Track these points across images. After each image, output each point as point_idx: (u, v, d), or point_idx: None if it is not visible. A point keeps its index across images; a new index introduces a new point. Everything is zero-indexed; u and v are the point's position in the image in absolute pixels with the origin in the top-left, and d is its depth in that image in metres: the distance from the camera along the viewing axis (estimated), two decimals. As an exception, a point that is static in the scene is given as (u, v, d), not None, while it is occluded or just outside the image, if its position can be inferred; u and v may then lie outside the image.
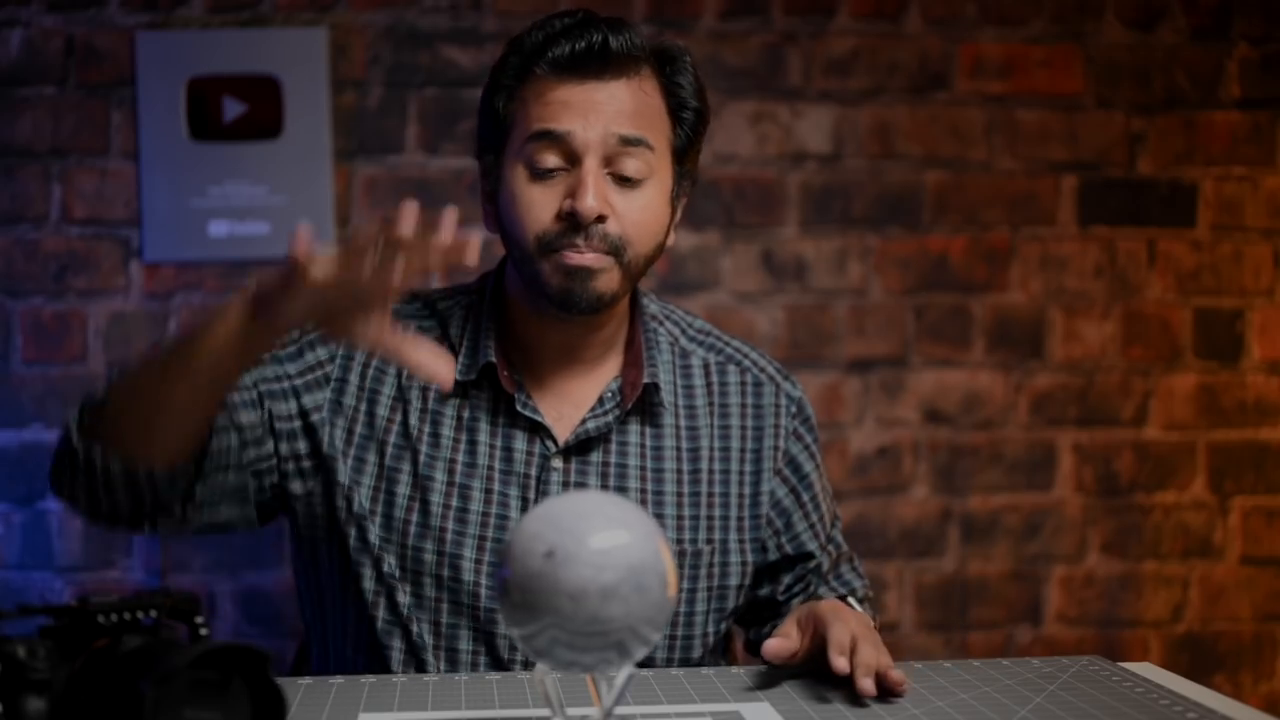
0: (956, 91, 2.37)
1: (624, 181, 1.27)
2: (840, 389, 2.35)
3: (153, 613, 0.86)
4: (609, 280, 1.28)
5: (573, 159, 1.26)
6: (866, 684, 1.10)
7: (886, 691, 1.12)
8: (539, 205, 1.27)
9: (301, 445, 1.32)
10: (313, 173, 2.26)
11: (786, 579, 1.43)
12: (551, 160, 1.26)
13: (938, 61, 2.36)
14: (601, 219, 1.25)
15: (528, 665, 1.31)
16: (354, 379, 1.35)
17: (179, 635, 0.87)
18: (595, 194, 1.24)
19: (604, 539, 0.90)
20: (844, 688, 1.15)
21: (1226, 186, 2.42)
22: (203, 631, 0.87)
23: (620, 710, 1.08)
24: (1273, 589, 2.43)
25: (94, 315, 2.26)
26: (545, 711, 1.07)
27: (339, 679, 1.19)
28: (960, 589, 2.38)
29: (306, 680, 1.18)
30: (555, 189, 1.27)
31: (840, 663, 1.11)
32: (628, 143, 1.26)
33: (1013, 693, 1.13)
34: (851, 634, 1.15)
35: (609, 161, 1.26)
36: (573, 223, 1.25)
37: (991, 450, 2.38)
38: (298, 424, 1.32)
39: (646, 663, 1.34)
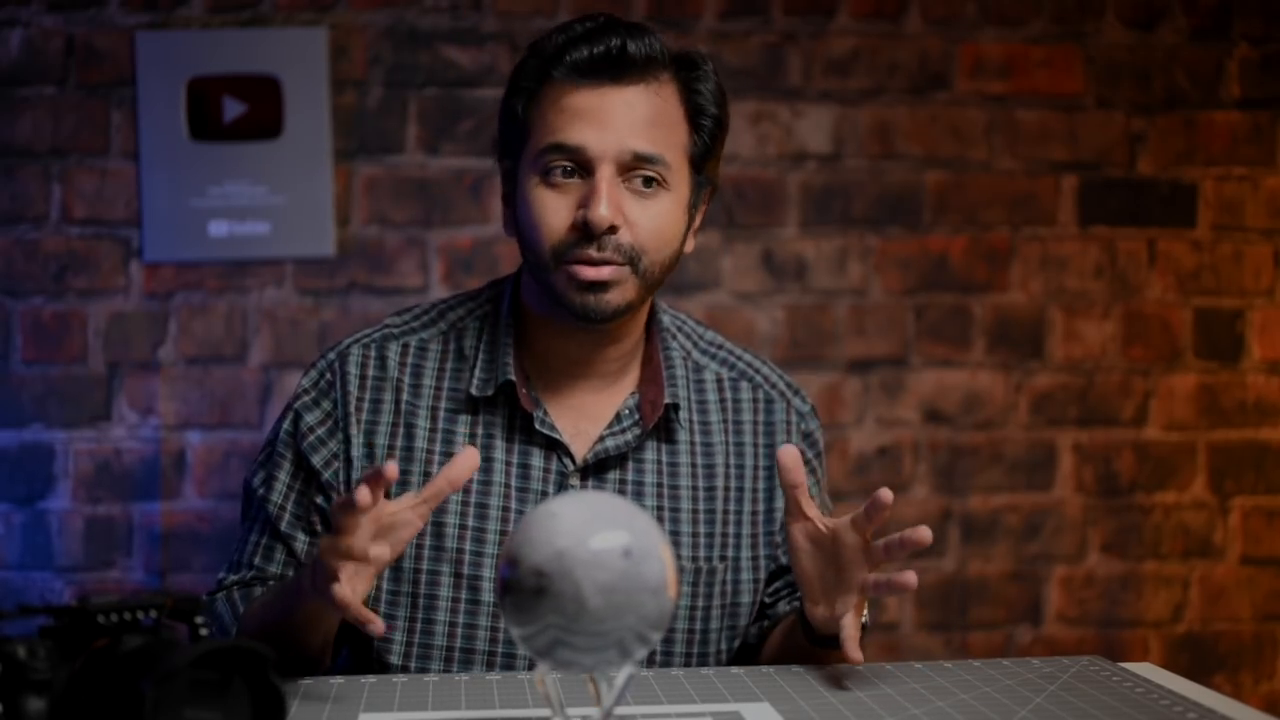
0: (956, 91, 2.37)
1: (639, 192, 1.27)
2: (840, 389, 2.35)
3: (153, 613, 0.86)
4: (624, 291, 1.27)
5: (587, 168, 1.26)
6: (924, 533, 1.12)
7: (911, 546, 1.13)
8: (552, 213, 1.26)
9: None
10: (313, 173, 2.26)
11: (777, 583, 1.43)
12: (566, 170, 1.26)
13: (938, 61, 2.36)
14: (614, 229, 1.25)
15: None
16: (352, 419, 1.34)
17: (179, 635, 0.87)
18: (608, 204, 1.24)
19: (656, 534, 0.91)
20: (844, 689, 1.15)
21: (1226, 186, 2.42)
22: (203, 631, 0.87)
23: (620, 710, 1.08)
24: (1273, 589, 2.43)
25: (94, 315, 2.26)
26: (545, 711, 1.07)
27: (339, 679, 1.19)
28: (960, 589, 2.38)
29: (307, 680, 1.18)
30: (569, 197, 1.26)
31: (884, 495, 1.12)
32: (643, 160, 1.26)
33: (1013, 693, 1.13)
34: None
35: (623, 170, 1.26)
36: (586, 232, 1.24)
37: (991, 450, 2.38)
38: (331, 494, 1.34)
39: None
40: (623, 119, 1.25)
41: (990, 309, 2.38)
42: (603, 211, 1.23)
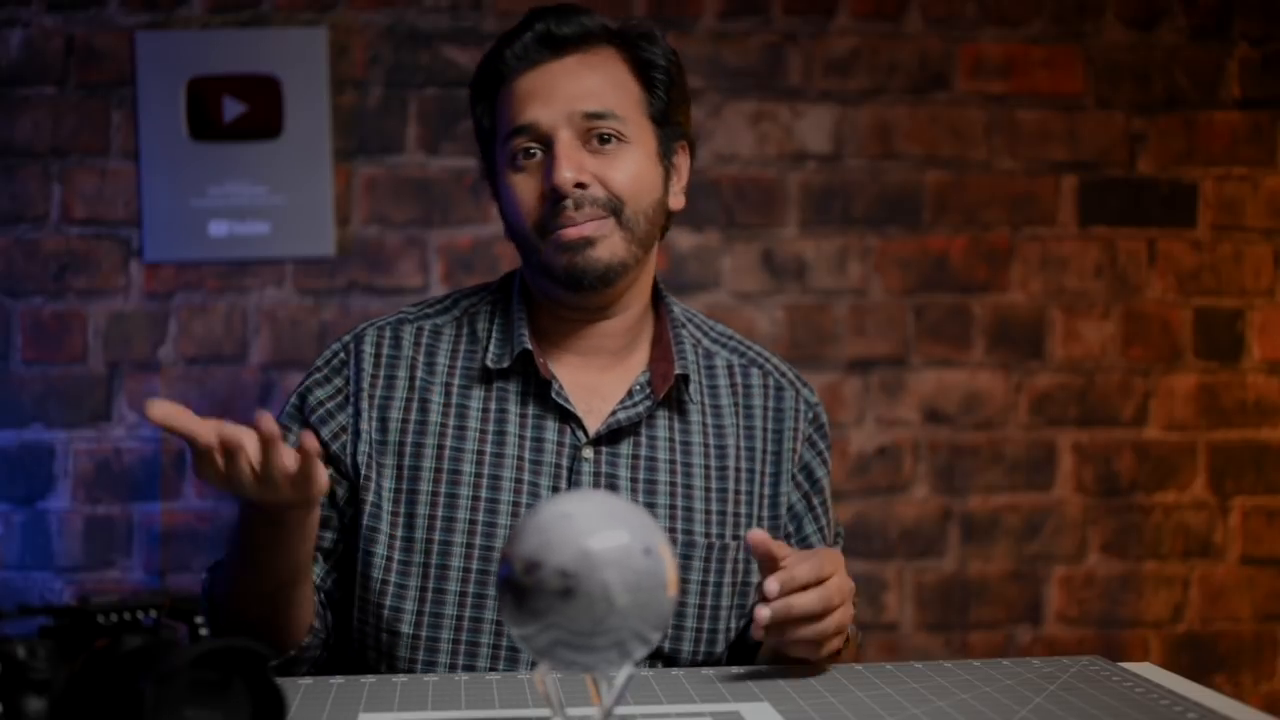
0: (956, 91, 2.37)
1: (600, 150, 1.30)
2: (840, 389, 2.35)
3: (153, 613, 0.86)
4: (612, 246, 1.30)
5: (547, 143, 1.30)
6: (762, 613, 1.11)
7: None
8: (524, 191, 1.31)
9: (340, 489, 1.35)
10: (313, 173, 2.26)
11: None
12: (529, 149, 1.31)
13: (938, 61, 2.36)
14: (583, 186, 1.28)
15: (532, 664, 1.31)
16: (365, 394, 1.35)
17: (179, 635, 0.87)
18: (569, 165, 1.28)
19: (660, 532, 0.92)
20: (844, 689, 1.15)
21: (1226, 186, 2.42)
22: (203, 631, 0.87)
23: (620, 710, 1.08)
24: (1273, 589, 2.43)
25: (94, 315, 2.26)
26: (545, 711, 1.07)
27: (339, 679, 1.19)
28: (960, 589, 2.38)
29: (307, 680, 1.18)
30: (536, 175, 1.31)
31: (770, 585, 1.12)
32: (593, 117, 1.30)
33: (1013, 693, 1.13)
34: (809, 571, 1.15)
35: (581, 134, 1.30)
36: (556, 198, 1.28)
37: (991, 450, 2.38)
38: (333, 471, 1.34)
39: (672, 659, 1.35)
40: (566, 87, 1.30)
41: (990, 309, 2.38)
42: (565, 174, 1.27)
